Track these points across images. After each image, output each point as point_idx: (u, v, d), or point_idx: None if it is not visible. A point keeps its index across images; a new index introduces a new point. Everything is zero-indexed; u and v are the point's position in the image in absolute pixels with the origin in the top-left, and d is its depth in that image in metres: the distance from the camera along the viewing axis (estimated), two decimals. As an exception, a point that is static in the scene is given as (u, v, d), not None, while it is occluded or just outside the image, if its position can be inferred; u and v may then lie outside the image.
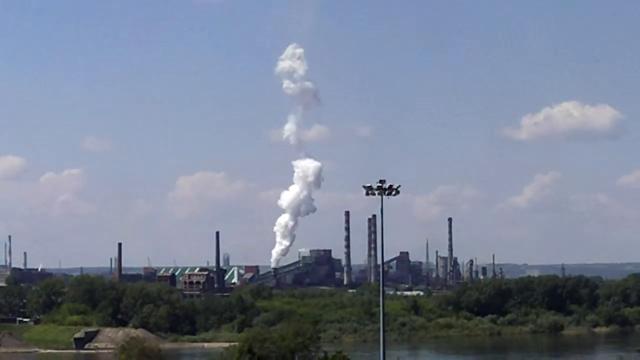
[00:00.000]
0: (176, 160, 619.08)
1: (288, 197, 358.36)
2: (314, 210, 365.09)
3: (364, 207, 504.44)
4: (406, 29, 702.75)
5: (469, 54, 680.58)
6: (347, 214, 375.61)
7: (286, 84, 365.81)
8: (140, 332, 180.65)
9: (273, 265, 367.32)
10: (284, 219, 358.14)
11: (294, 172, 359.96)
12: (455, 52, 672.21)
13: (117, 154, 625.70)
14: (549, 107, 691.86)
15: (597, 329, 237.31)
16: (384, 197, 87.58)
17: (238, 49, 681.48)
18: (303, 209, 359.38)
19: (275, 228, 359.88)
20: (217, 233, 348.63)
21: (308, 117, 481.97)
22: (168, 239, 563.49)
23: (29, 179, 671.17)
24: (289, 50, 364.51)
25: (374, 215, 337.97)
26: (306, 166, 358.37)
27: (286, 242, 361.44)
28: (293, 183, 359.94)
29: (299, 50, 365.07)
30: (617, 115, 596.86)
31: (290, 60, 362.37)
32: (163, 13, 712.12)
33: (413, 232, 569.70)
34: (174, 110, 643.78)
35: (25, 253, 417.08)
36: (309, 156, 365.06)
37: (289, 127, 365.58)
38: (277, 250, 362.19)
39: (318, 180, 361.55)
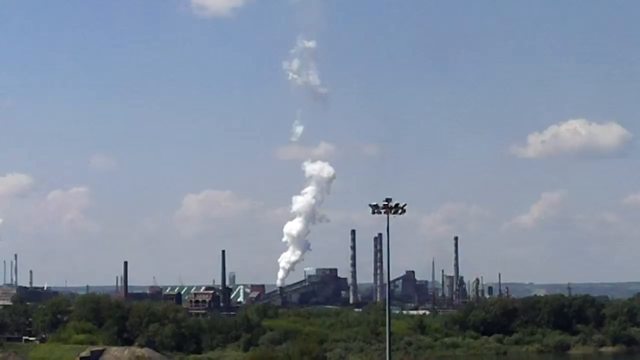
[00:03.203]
0: (183, 178, 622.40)
1: (301, 201, 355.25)
2: (327, 220, 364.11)
3: (370, 225, 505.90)
4: (412, 46, 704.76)
5: (475, 71, 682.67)
6: (353, 232, 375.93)
7: (292, 76, 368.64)
8: (146, 351, 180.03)
9: (279, 281, 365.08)
10: (296, 225, 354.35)
11: (304, 174, 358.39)
12: (462, 69, 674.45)
13: (124, 172, 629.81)
14: (556, 125, 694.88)
15: (603, 349, 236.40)
16: (390, 215, 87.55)
17: (244, 65, 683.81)
18: (317, 215, 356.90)
19: (285, 238, 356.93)
20: (223, 252, 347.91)
21: (315, 111, 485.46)
22: (174, 257, 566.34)
23: (35, 196, 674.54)
24: (300, 43, 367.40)
25: (380, 234, 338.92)
26: (318, 169, 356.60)
27: (299, 252, 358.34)
28: (303, 192, 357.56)
29: (311, 44, 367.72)
30: (624, 133, 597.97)
31: (299, 58, 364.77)
32: (169, 29, 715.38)
33: (419, 250, 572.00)
34: (181, 129, 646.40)
35: (31, 271, 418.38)
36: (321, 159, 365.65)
37: (299, 129, 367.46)
38: (289, 260, 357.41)
39: (329, 185, 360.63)
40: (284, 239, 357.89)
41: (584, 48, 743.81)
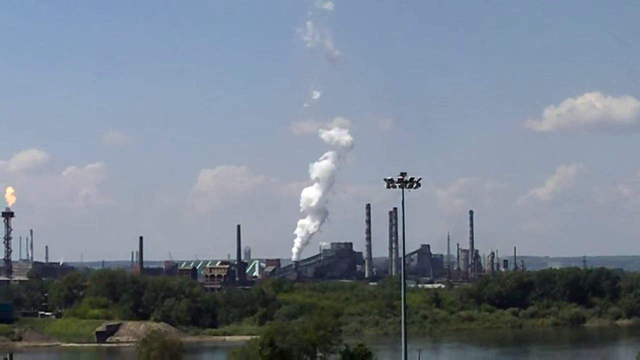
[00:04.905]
0: (198, 153, 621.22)
1: (318, 167, 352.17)
2: (345, 191, 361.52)
3: (386, 199, 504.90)
4: (427, 20, 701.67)
5: (491, 45, 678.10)
6: (368, 206, 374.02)
7: (307, 38, 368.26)
8: (161, 326, 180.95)
9: (296, 248, 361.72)
10: (315, 192, 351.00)
11: (322, 141, 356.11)
12: (477, 43, 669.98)
13: (139, 147, 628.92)
14: (572, 98, 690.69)
15: (618, 321, 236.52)
16: (405, 189, 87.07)
17: (261, 41, 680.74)
18: (336, 183, 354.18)
19: (302, 206, 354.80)
20: (239, 226, 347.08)
21: (330, 84, 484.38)
22: (189, 232, 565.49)
23: (51, 173, 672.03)
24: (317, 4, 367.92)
25: (395, 208, 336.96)
26: (337, 136, 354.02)
27: (317, 221, 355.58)
28: (321, 159, 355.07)
29: (327, 6, 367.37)
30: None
31: (316, 21, 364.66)
32: (184, 4, 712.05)
33: (434, 224, 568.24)
34: (196, 104, 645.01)
35: (46, 247, 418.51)
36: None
37: (315, 94, 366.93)
38: (307, 229, 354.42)
39: (347, 154, 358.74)
40: (302, 208, 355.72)
41: (600, 21, 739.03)
